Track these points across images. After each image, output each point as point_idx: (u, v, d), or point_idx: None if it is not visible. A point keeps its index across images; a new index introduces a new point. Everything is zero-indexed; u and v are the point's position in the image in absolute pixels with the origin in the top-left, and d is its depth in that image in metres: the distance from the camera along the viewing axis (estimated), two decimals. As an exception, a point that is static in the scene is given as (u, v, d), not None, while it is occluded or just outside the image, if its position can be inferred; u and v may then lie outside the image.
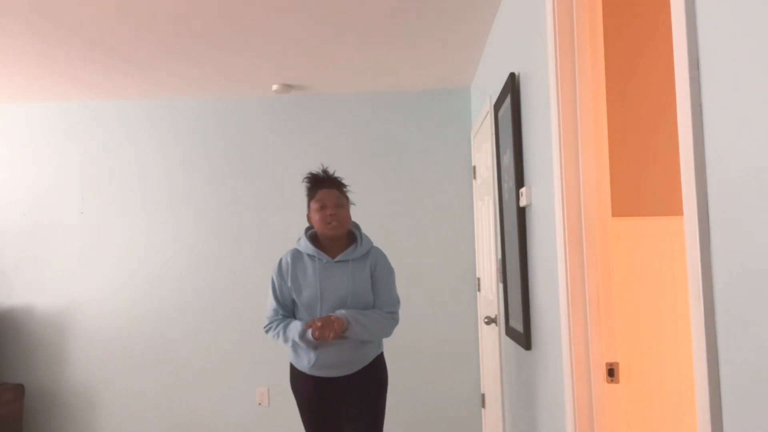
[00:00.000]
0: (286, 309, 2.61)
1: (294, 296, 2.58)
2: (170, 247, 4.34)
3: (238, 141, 4.37)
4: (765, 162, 0.91)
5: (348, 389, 2.57)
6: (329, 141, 4.33)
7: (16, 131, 4.43)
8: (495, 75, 3.17)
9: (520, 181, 2.47)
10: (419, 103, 4.34)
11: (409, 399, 4.13)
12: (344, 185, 2.67)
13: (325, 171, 2.67)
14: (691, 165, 1.11)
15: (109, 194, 4.38)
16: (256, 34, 3.21)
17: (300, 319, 2.56)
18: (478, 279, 4.10)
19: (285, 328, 2.56)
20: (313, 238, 2.64)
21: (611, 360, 1.85)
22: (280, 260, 2.64)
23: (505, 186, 2.81)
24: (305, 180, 2.69)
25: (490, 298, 3.54)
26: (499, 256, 3.03)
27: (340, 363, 2.54)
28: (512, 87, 2.56)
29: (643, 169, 2.47)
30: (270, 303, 2.63)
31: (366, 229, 2.76)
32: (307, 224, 2.71)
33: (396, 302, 2.66)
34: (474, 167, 4.15)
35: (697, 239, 1.10)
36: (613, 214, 1.95)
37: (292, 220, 4.32)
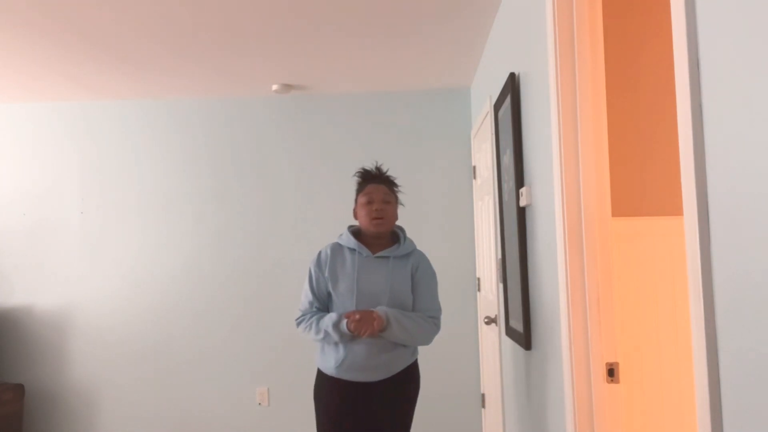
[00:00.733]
0: (321, 302, 2.51)
1: (330, 288, 2.48)
2: (170, 247, 4.34)
3: (238, 141, 4.37)
4: (765, 162, 0.91)
5: (377, 397, 2.42)
6: (329, 141, 4.33)
7: (16, 131, 4.43)
8: (495, 75, 3.17)
9: (520, 181, 2.47)
10: (419, 103, 4.34)
11: (409, 399, 4.13)
12: (395, 184, 2.61)
13: (378, 168, 2.61)
14: (691, 165, 1.11)
15: (109, 194, 4.38)
16: (256, 34, 3.21)
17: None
18: (478, 279, 4.09)
19: (318, 319, 2.44)
20: (356, 233, 2.58)
21: (611, 360, 1.85)
22: (320, 252, 2.56)
23: (505, 186, 2.81)
24: (356, 174, 2.63)
25: (490, 298, 3.54)
26: (499, 256, 3.03)
27: (371, 366, 2.40)
28: (512, 87, 2.56)
29: (643, 169, 2.47)
30: (305, 295, 2.54)
31: (366, 228, 2.76)
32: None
33: (438, 309, 2.55)
34: (474, 167, 4.15)
35: (697, 239, 1.10)
36: (613, 214, 1.95)
37: (292, 219, 4.32)
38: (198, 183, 4.36)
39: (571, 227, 1.90)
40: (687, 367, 2.31)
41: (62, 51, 3.38)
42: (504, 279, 2.89)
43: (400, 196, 2.63)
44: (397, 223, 2.62)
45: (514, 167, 2.50)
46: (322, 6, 2.89)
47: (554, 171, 1.97)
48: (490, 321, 3.42)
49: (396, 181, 2.62)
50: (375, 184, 2.54)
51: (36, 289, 4.36)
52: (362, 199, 2.52)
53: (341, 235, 2.59)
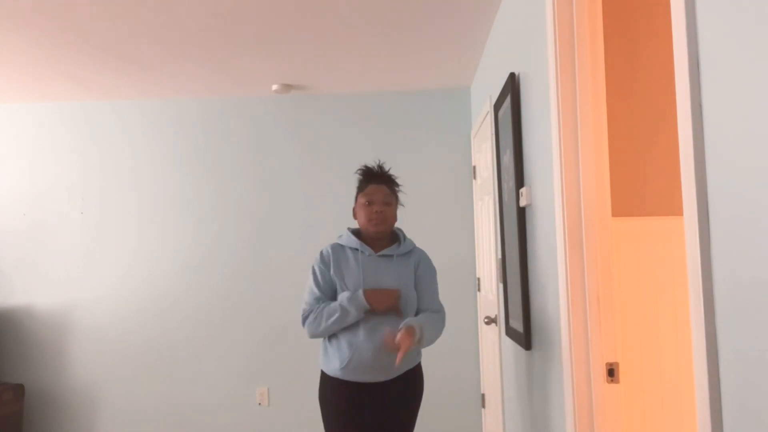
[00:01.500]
0: (328, 297, 2.45)
1: (339, 286, 2.43)
2: (170, 247, 4.34)
3: (238, 141, 4.37)
4: (765, 162, 0.91)
5: (385, 398, 2.39)
6: (329, 141, 4.33)
7: (16, 131, 4.43)
8: (495, 75, 3.17)
9: (520, 181, 2.47)
10: (419, 103, 4.34)
11: (409, 399, 4.13)
12: (396, 184, 2.57)
13: (380, 166, 2.56)
14: (691, 165, 1.11)
15: (109, 194, 4.38)
16: (256, 34, 3.21)
17: None
18: (478, 279, 4.09)
19: (327, 305, 2.39)
20: (356, 234, 2.55)
21: (611, 360, 1.85)
22: (321, 251, 2.51)
23: (505, 186, 2.81)
24: (358, 172, 2.58)
25: (490, 298, 3.54)
26: (499, 256, 3.03)
27: (378, 366, 2.36)
28: (512, 87, 2.56)
29: (643, 169, 2.47)
30: (310, 292, 2.46)
31: (366, 228, 2.75)
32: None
33: (441, 304, 2.55)
34: (474, 167, 4.15)
35: (697, 239, 1.10)
36: (613, 214, 1.95)
37: (292, 220, 4.32)
38: (197, 183, 4.36)
39: (571, 227, 1.90)
40: (687, 367, 2.31)
41: (62, 51, 3.38)
42: (504, 279, 2.89)
43: (400, 196, 2.61)
44: (396, 224, 2.60)
45: (514, 167, 2.50)
46: (323, 6, 2.89)
47: (554, 171, 1.97)
48: (490, 321, 3.42)
49: (397, 181, 2.59)
50: (376, 185, 2.50)
51: (36, 289, 4.36)
52: (363, 200, 2.49)
53: (341, 236, 2.56)
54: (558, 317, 2.00)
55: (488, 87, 3.40)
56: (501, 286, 3.04)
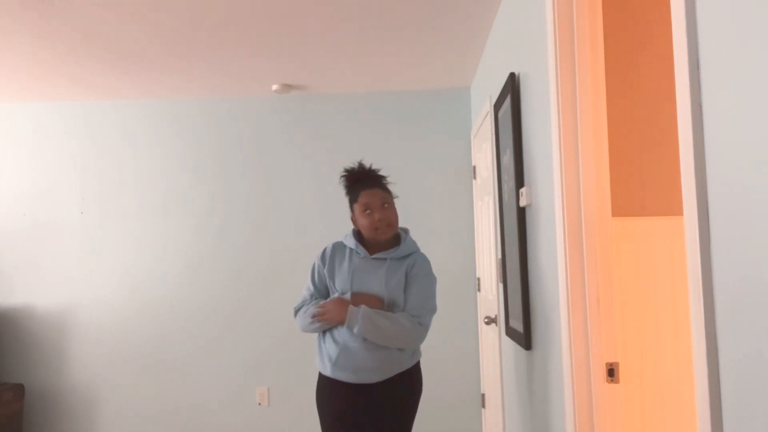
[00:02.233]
0: (321, 295, 2.49)
1: (329, 284, 2.47)
2: (170, 247, 4.34)
3: (238, 141, 4.37)
4: (765, 162, 0.91)
5: (378, 400, 2.36)
6: (329, 141, 4.33)
7: (16, 131, 4.43)
8: (495, 75, 3.17)
9: (520, 181, 2.47)
10: (419, 103, 4.34)
11: (409, 399, 4.13)
12: (385, 179, 2.48)
13: (361, 166, 2.48)
14: (691, 165, 1.11)
15: (109, 194, 4.38)
16: (256, 34, 3.21)
17: None
18: (478, 279, 4.09)
19: (316, 303, 2.44)
20: (357, 234, 2.52)
21: (611, 360, 1.85)
22: (325, 248, 2.53)
23: (505, 186, 2.81)
24: (342, 178, 2.50)
25: (490, 298, 3.54)
26: (499, 256, 3.03)
27: (367, 366, 2.34)
28: (512, 87, 2.56)
29: (643, 169, 2.47)
30: (306, 288, 2.53)
31: (366, 228, 2.74)
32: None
33: (428, 309, 2.42)
34: (474, 167, 4.15)
35: (697, 239, 1.10)
36: (613, 214, 1.95)
37: (292, 220, 4.32)
38: (198, 183, 4.36)
39: (571, 227, 1.90)
40: (687, 367, 2.31)
41: (62, 51, 3.38)
42: (504, 279, 2.89)
43: (392, 188, 2.50)
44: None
45: (514, 167, 2.49)
46: (323, 6, 2.89)
47: (554, 171, 1.97)
48: (490, 321, 3.42)
49: (384, 174, 2.50)
50: (368, 190, 2.43)
51: (36, 289, 4.36)
52: (359, 209, 2.43)
53: (347, 235, 2.55)
54: (558, 317, 2.00)
55: (488, 87, 3.40)
56: (501, 286, 3.03)
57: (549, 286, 2.13)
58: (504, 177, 2.83)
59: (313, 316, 2.40)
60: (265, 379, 4.27)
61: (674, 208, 2.31)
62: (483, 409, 4.10)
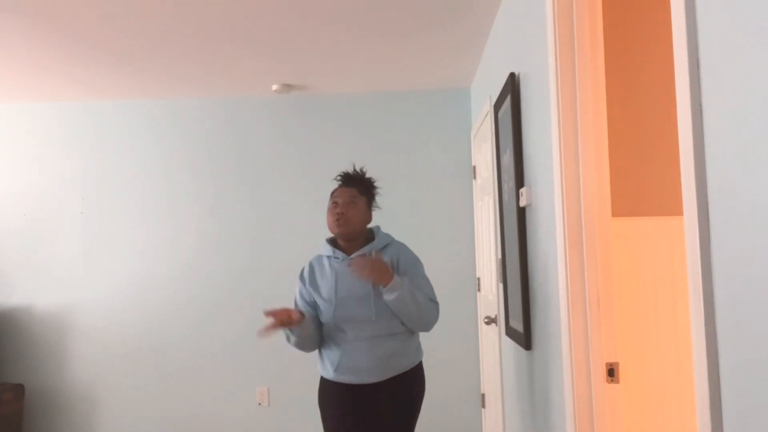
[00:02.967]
0: (308, 312, 2.47)
1: (316, 299, 2.46)
2: (170, 247, 4.34)
3: (238, 141, 4.37)
4: (765, 162, 0.91)
5: (381, 400, 2.36)
6: (329, 141, 4.33)
7: (16, 131, 4.43)
8: (495, 75, 3.17)
9: (520, 181, 2.47)
10: (419, 103, 4.34)
11: (409, 399, 4.13)
12: (367, 185, 2.53)
13: (354, 169, 2.56)
14: (691, 165, 1.11)
15: (109, 194, 4.38)
16: (256, 34, 3.21)
17: (323, 322, 2.44)
18: (478, 279, 4.10)
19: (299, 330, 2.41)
20: (333, 241, 2.54)
21: (611, 360, 1.85)
22: (303, 268, 2.54)
23: (505, 186, 2.81)
24: (334, 181, 2.60)
25: (490, 298, 3.54)
26: (499, 256, 3.03)
27: (369, 366, 2.35)
28: (512, 87, 2.56)
29: (643, 169, 2.47)
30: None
31: (366, 229, 2.74)
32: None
33: (431, 288, 2.45)
34: (474, 167, 4.15)
35: (697, 239, 1.10)
36: (613, 214, 1.95)
37: (292, 220, 4.32)
38: (198, 183, 4.36)
39: (571, 227, 1.90)
40: (687, 367, 2.31)
41: (62, 51, 3.38)
42: (504, 279, 2.89)
43: (390, 194, 2.53)
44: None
45: (514, 167, 2.50)
46: (323, 6, 2.89)
47: (554, 171, 1.97)
48: (490, 321, 3.42)
49: (375, 183, 2.55)
50: (345, 187, 2.49)
51: (36, 289, 4.36)
52: (329, 203, 2.50)
53: (321, 245, 2.57)
54: (558, 317, 2.00)
55: (488, 87, 3.40)
56: (501, 286, 3.04)
57: (549, 286, 2.13)
58: (504, 177, 2.83)
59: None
60: (265, 379, 4.27)
61: (674, 208, 2.31)
62: (483, 409, 4.10)
